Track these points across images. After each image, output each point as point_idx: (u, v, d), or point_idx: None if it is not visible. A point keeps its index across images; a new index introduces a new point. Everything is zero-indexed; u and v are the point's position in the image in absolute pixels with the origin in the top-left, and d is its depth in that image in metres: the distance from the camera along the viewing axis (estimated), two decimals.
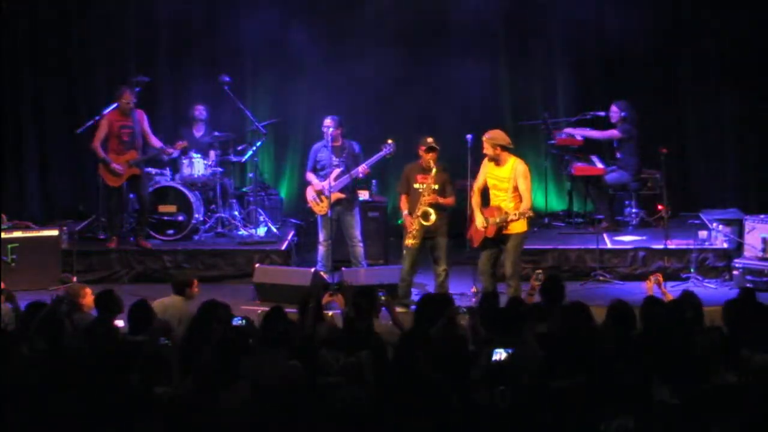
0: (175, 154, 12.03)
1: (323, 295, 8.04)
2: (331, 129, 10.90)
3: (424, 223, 10.09)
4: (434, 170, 10.09)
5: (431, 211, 10.08)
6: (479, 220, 9.84)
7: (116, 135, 11.53)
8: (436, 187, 10.11)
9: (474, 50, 13.29)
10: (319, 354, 6.38)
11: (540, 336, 6.68)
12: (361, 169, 10.89)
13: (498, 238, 9.84)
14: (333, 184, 10.79)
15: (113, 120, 11.54)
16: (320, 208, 10.94)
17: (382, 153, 10.84)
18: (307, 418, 5.54)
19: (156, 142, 11.74)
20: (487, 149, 9.83)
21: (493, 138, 9.87)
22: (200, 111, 12.35)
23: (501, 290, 9.79)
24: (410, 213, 10.19)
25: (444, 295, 8.44)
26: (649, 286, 8.30)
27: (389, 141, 10.85)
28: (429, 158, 10.13)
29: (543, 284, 7.99)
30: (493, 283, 9.94)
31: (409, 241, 10.18)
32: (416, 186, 10.20)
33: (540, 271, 8.95)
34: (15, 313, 7.85)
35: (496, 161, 9.85)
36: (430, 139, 10.22)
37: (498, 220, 9.71)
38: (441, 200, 10.13)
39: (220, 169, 12.22)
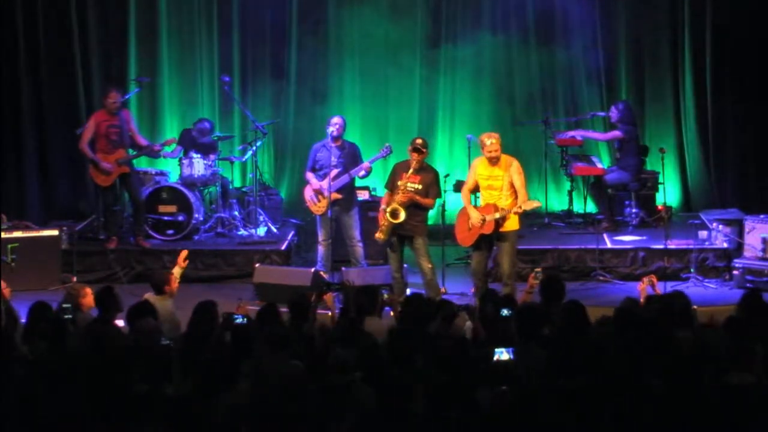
0: (175, 153, 12.04)
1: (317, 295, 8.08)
2: (337, 127, 10.89)
3: (392, 221, 10.02)
4: (410, 170, 10.00)
5: (400, 209, 10.00)
6: (475, 216, 9.82)
7: (104, 135, 11.52)
8: (419, 187, 10.06)
9: (474, 50, 13.30)
10: (332, 353, 6.33)
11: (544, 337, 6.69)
12: (365, 166, 10.87)
13: (493, 236, 9.85)
14: (331, 183, 10.78)
15: (101, 120, 11.53)
16: (317, 207, 10.93)
17: (380, 155, 10.84)
18: (309, 418, 5.55)
19: (142, 141, 11.76)
20: (497, 148, 9.80)
21: (499, 137, 9.90)
22: (206, 128, 12.33)
23: (497, 290, 9.85)
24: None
25: (421, 295, 8.37)
26: (642, 288, 8.29)
27: (387, 144, 10.85)
28: (413, 158, 10.10)
29: (542, 283, 7.96)
30: (487, 283, 9.95)
31: (377, 235, 10.17)
32: (399, 183, 10.18)
33: (539, 269, 8.93)
34: (4, 306, 7.83)
35: (494, 160, 9.85)
36: (418, 140, 10.18)
37: (498, 215, 9.71)
38: (418, 199, 10.02)
39: (220, 169, 12.22)
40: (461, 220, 10.03)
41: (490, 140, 9.85)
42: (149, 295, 8.22)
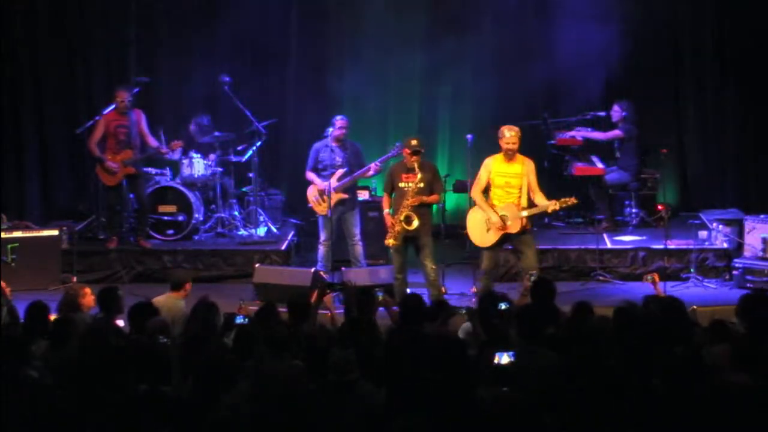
0: (174, 154, 12.04)
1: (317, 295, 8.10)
2: (345, 130, 10.91)
3: (407, 227, 10.02)
4: (419, 174, 10.01)
5: (414, 215, 9.99)
6: (496, 219, 9.78)
7: (113, 134, 11.55)
8: (422, 185, 10.06)
9: (474, 50, 13.31)
10: (331, 353, 6.34)
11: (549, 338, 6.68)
12: (374, 166, 10.88)
13: (511, 235, 9.83)
14: (336, 184, 10.80)
15: (110, 120, 11.56)
16: (321, 208, 10.92)
17: (390, 153, 10.84)
18: (310, 417, 5.55)
19: (153, 142, 11.75)
20: (516, 142, 9.81)
21: (519, 131, 9.88)
22: (194, 128, 12.34)
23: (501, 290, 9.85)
24: (393, 212, 10.14)
25: (417, 295, 8.36)
26: (655, 283, 8.33)
27: (398, 143, 10.86)
28: (413, 161, 10.07)
29: (533, 285, 7.96)
30: (492, 283, 9.94)
31: (389, 241, 10.13)
32: (401, 185, 10.16)
33: (533, 272, 8.93)
34: (6, 306, 7.83)
35: (511, 156, 9.83)
36: (414, 142, 10.15)
37: (527, 213, 9.73)
38: (426, 199, 10.08)
39: (220, 169, 12.23)
40: (475, 220, 10.00)
41: (510, 132, 9.84)
42: (164, 296, 8.20)
